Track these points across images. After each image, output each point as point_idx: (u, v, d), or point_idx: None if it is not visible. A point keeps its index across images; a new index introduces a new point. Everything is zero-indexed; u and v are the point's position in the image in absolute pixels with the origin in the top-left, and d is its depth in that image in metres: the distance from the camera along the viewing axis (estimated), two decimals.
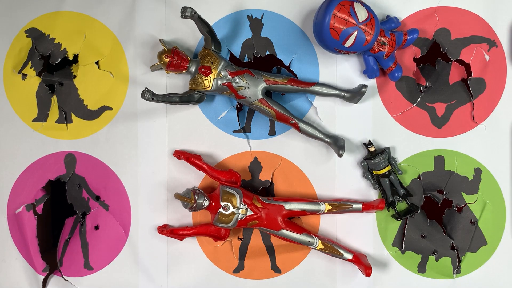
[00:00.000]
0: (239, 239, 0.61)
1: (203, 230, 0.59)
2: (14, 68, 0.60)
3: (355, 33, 0.52)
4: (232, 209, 0.57)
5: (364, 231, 0.61)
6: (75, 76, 0.60)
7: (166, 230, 0.59)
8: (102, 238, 0.60)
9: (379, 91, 0.59)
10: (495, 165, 0.60)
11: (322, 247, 0.58)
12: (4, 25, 0.60)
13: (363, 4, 0.53)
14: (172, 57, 0.54)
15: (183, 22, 0.57)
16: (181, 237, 0.59)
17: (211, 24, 0.56)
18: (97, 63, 0.59)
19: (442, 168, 0.61)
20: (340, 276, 0.60)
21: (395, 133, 0.60)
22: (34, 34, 0.60)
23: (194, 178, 0.60)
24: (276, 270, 0.61)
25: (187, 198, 0.55)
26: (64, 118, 0.60)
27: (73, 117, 0.60)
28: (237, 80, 0.55)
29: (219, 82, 0.55)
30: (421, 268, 0.61)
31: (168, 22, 0.59)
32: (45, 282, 0.61)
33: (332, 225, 0.61)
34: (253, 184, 0.61)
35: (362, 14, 0.52)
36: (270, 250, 0.61)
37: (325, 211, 0.59)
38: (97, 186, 0.60)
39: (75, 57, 0.60)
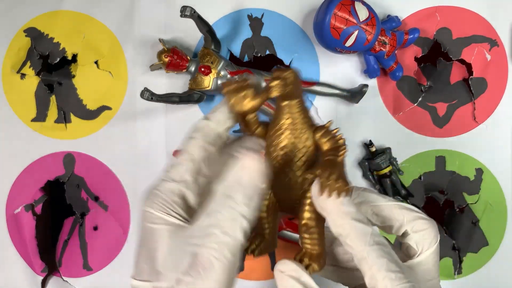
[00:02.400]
0: None
1: None
2: (13, 67, 0.60)
3: (356, 32, 0.52)
4: None
5: None
6: (74, 76, 0.59)
7: None
8: (101, 239, 0.60)
9: (380, 91, 0.59)
10: (497, 165, 0.60)
11: None
12: (3, 25, 0.59)
13: (364, 3, 0.52)
14: (171, 57, 0.54)
15: (183, 21, 0.57)
16: None
17: (211, 23, 0.55)
18: (96, 62, 0.59)
19: (443, 168, 0.60)
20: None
21: (396, 133, 0.60)
22: (33, 33, 0.59)
23: None
24: None
25: None
26: (63, 118, 0.60)
27: (72, 117, 0.60)
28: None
29: (219, 82, 0.55)
30: None
31: (167, 22, 0.58)
32: (44, 282, 0.61)
33: None
34: None
35: (362, 14, 0.52)
36: None
37: None
38: (96, 186, 0.60)
39: (74, 56, 0.59)
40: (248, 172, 0.28)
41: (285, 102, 0.29)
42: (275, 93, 0.28)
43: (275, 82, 0.28)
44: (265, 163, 0.28)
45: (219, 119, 0.30)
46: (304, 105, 0.30)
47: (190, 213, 0.29)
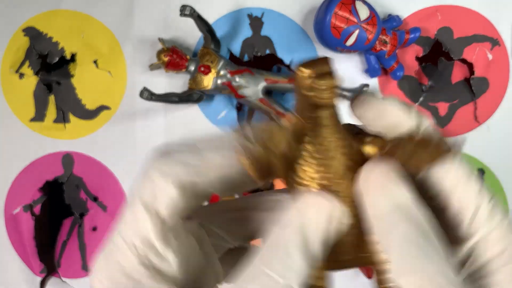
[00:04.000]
0: None
1: None
2: (12, 67, 0.59)
3: (357, 31, 0.51)
4: None
5: None
6: (73, 75, 0.59)
7: None
8: (100, 240, 0.60)
9: (381, 91, 0.59)
10: (498, 165, 0.60)
11: None
12: (1, 24, 0.59)
13: (365, 3, 0.52)
14: (171, 56, 0.54)
15: (182, 20, 0.57)
16: None
17: (210, 22, 0.55)
18: (95, 62, 0.59)
19: None
20: (341, 277, 0.59)
21: None
22: (31, 33, 0.59)
23: None
24: None
25: None
26: (62, 118, 0.59)
27: (71, 116, 0.59)
28: (237, 79, 0.54)
29: (219, 81, 0.54)
30: None
31: (167, 21, 0.58)
32: (43, 283, 0.60)
33: None
34: None
35: (363, 13, 0.51)
36: None
37: None
38: (95, 186, 0.60)
39: (73, 56, 0.59)
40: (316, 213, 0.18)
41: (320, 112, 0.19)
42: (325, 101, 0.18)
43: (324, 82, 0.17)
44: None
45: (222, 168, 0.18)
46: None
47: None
